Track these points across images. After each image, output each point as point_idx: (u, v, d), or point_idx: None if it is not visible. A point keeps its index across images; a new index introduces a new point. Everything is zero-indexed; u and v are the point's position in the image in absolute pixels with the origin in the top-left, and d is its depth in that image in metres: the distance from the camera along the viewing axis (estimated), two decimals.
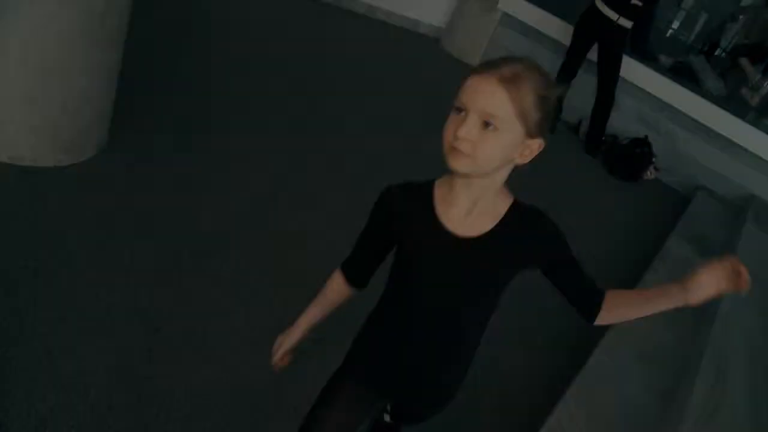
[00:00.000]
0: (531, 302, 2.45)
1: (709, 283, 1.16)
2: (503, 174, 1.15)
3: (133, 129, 2.97)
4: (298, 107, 3.98)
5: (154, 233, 2.48)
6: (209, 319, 2.22)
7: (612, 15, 4.91)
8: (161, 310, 2.17)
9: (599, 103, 5.29)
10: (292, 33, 5.11)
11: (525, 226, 1.18)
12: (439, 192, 1.20)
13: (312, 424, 1.36)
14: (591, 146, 5.45)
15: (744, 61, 6.02)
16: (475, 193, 1.15)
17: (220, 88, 3.77)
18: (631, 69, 5.44)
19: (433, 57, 6.25)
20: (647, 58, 5.83)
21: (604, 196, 4.96)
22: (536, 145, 1.11)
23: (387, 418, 1.77)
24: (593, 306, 1.27)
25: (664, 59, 6.20)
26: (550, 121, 1.12)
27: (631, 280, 3.35)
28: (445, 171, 1.15)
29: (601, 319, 1.28)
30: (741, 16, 6.78)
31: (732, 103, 5.62)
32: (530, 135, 1.09)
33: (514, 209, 1.18)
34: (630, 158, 5.27)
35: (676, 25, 7.51)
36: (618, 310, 1.27)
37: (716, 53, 6.83)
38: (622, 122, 5.55)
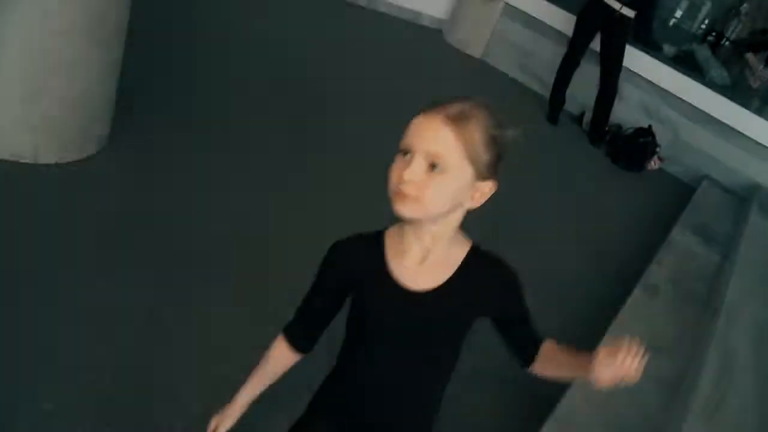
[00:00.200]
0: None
1: (607, 367, 1.03)
2: (455, 219, 1.08)
3: (134, 127, 2.96)
4: (299, 103, 3.96)
5: (154, 230, 2.48)
6: (209, 318, 2.22)
7: (615, 4, 4.88)
8: (161, 309, 2.17)
9: (602, 94, 5.27)
10: (293, 26, 5.09)
11: (483, 275, 1.12)
12: (391, 242, 1.12)
13: None
14: (594, 136, 5.42)
15: (749, 56, 5.97)
16: (427, 241, 1.07)
17: (220, 86, 3.76)
18: (635, 58, 5.41)
19: (435, 49, 6.22)
20: (650, 47, 5.79)
21: (608, 186, 4.94)
22: (487, 187, 1.05)
23: None
24: (528, 357, 1.22)
25: (668, 48, 6.15)
26: (502, 163, 1.04)
27: (635, 271, 3.33)
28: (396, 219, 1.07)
29: (534, 370, 1.23)
30: (745, 4, 6.72)
31: (736, 93, 5.58)
32: (481, 177, 1.03)
33: (472, 256, 1.11)
34: (634, 148, 5.24)
35: (679, 14, 7.46)
36: (547, 366, 1.21)
37: (721, 42, 6.78)
38: (626, 112, 5.52)
